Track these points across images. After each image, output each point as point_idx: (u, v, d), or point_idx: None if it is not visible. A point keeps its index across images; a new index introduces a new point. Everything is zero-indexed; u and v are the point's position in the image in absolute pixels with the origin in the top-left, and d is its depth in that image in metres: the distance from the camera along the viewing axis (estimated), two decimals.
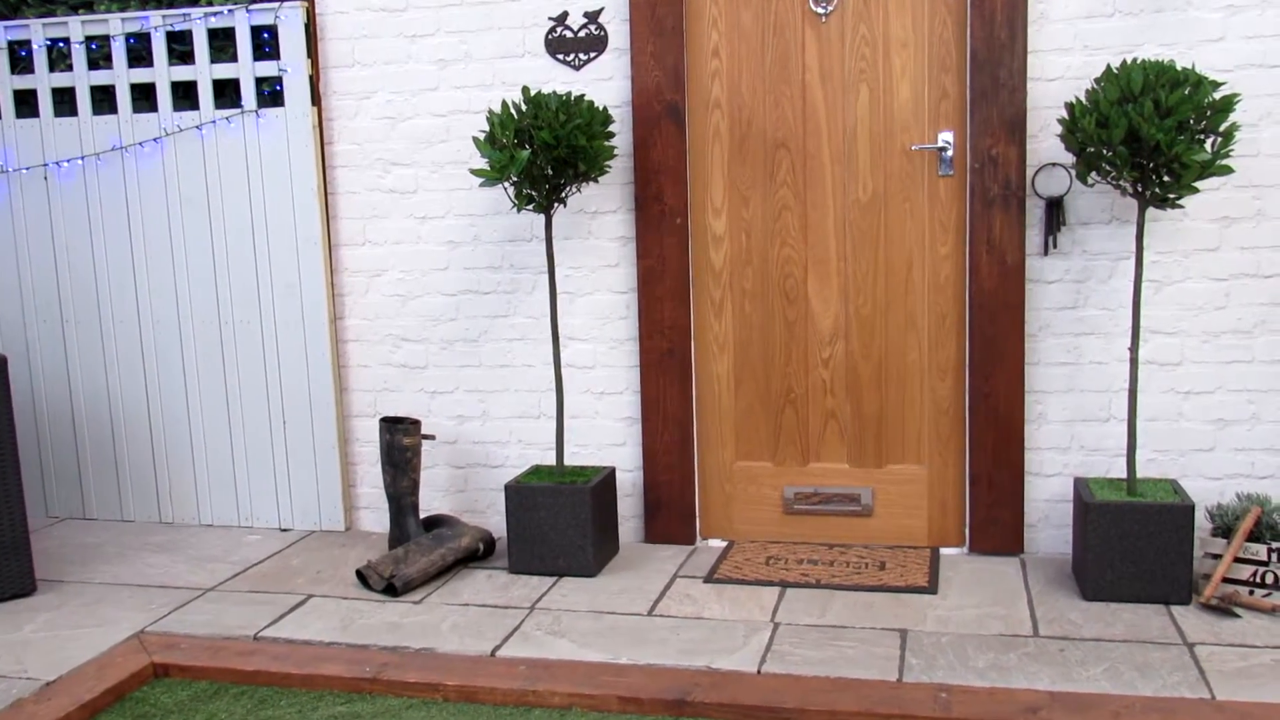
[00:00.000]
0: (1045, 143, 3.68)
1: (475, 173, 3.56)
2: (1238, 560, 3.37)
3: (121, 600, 3.72)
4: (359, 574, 3.75)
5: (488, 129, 3.85)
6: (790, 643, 3.20)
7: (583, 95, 3.70)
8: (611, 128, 3.97)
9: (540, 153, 3.58)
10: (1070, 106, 3.34)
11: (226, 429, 4.43)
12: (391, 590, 3.67)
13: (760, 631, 3.28)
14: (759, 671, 3.03)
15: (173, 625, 3.49)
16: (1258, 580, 3.34)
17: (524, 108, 3.63)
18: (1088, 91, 3.31)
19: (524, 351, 4.19)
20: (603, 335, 4.11)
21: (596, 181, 3.86)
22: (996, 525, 3.84)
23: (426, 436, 4.14)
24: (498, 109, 4.03)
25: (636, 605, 3.52)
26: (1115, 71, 3.26)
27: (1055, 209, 3.68)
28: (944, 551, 3.93)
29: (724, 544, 4.09)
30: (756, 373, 4.04)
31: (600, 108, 3.77)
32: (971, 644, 3.15)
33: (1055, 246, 3.72)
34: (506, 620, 3.44)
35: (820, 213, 3.92)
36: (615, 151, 3.88)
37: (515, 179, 3.64)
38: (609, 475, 3.93)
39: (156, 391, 4.48)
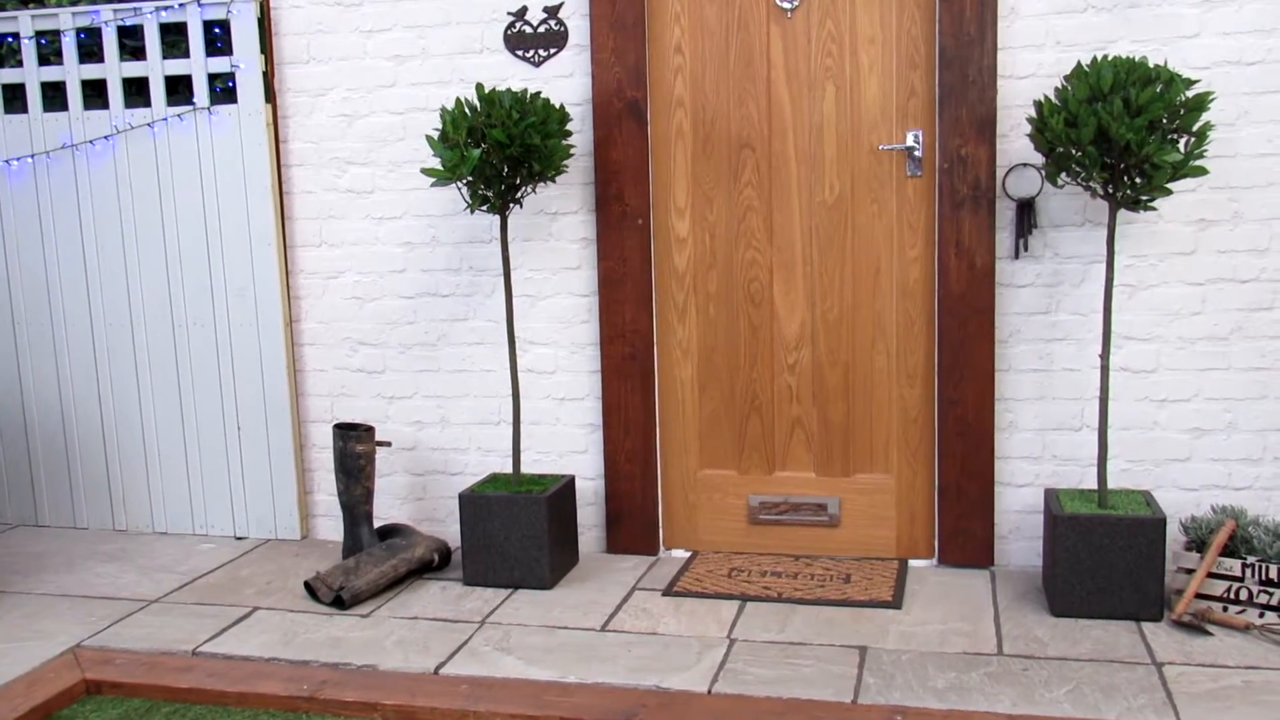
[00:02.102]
0: (1016, 142, 3.57)
1: (426, 172, 3.44)
2: (1211, 575, 3.25)
3: (62, 612, 3.61)
4: (307, 586, 3.64)
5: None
6: (745, 660, 3.08)
7: (538, 93, 3.59)
8: (571, 126, 3.86)
9: (493, 152, 3.46)
10: (1039, 105, 3.22)
11: (180, 434, 4.32)
12: (340, 603, 3.56)
13: (715, 648, 3.17)
14: (709, 691, 2.91)
15: (111, 639, 3.38)
16: (1231, 596, 3.22)
17: (477, 105, 3.52)
18: (1056, 89, 3.19)
19: (483, 356, 4.08)
20: (564, 339, 3.99)
21: (553, 181, 3.74)
22: (966, 537, 3.72)
23: (381, 443, 4.03)
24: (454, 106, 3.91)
25: (590, 620, 3.41)
26: (1085, 69, 3.14)
27: (1026, 211, 3.57)
28: (913, 563, 3.81)
29: (688, 554, 3.98)
30: (721, 378, 3.92)
31: (557, 105, 3.66)
32: (933, 662, 3.03)
33: (1026, 249, 3.60)
34: (455, 635, 3.33)
35: (786, 214, 3.80)
36: (572, 151, 3.76)
37: (469, 179, 3.53)
38: (567, 484, 3.81)
39: (109, 395, 4.37)
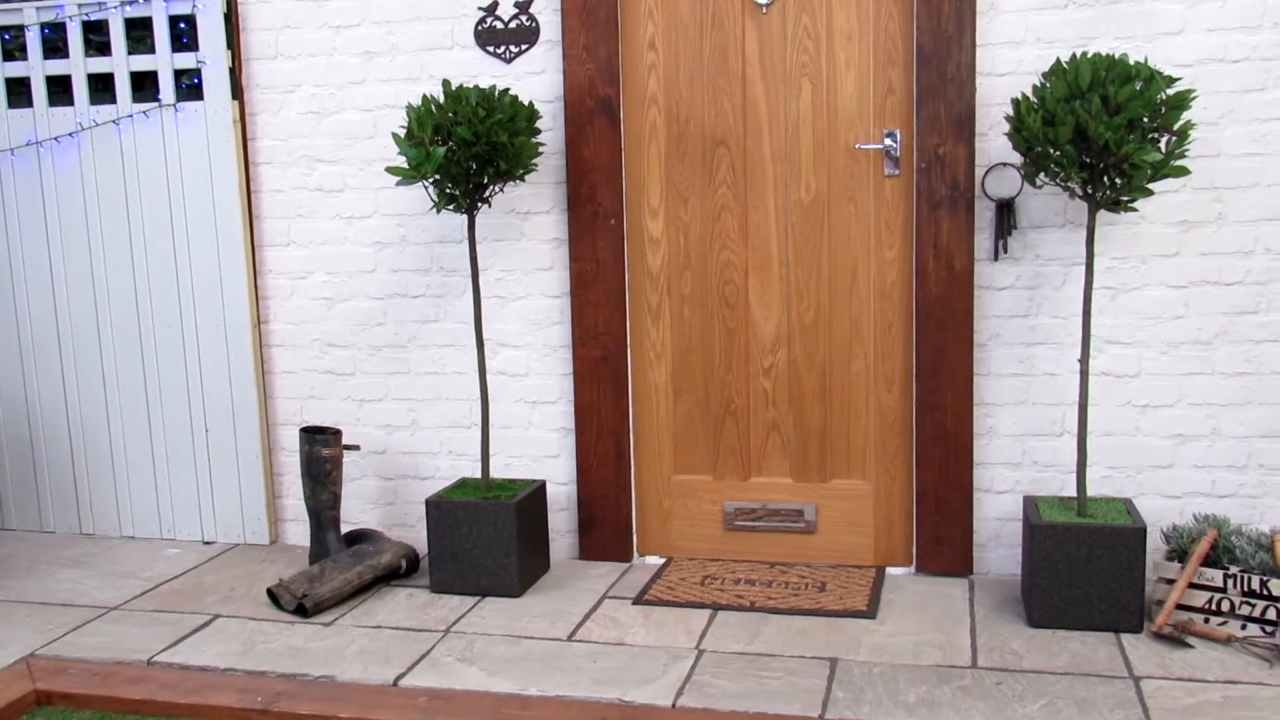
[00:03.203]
0: (995, 142, 3.48)
1: (391, 170, 3.36)
2: (1192, 586, 3.17)
3: (18, 620, 3.53)
4: (270, 593, 3.56)
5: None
6: (712, 672, 3.00)
7: (507, 89, 3.51)
8: (543, 123, 3.78)
9: (459, 150, 3.38)
10: (1016, 103, 3.13)
11: (147, 437, 4.24)
12: (302, 611, 3.48)
13: (682, 660, 3.09)
14: (674, 705, 2.83)
15: (65, 648, 3.30)
16: (1213, 608, 3.14)
17: (444, 102, 3.44)
18: (1034, 87, 3.10)
19: (455, 358, 4.00)
20: (536, 342, 3.91)
21: (523, 181, 3.66)
22: (944, 545, 3.64)
23: (349, 447, 3.95)
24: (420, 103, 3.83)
25: (557, 629, 3.33)
26: (1064, 66, 3.06)
27: (1006, 211, 3.48)
28: (890, 571, 3.73)
29: (662, 561, 3.90)
30: (695, 382, 3.84)
31: (525, 103, 3.57)
32: (905, 675, 2.95)
33: (1006, 251, 3.52)
34: (417, 645, 3.24)
35: (761, 214, 3.72)
36: (541, 149, 3.68)
37: (436, 177, 3.45)
38: (538, 489, 3.73)
39: (75, 397, 4.29)
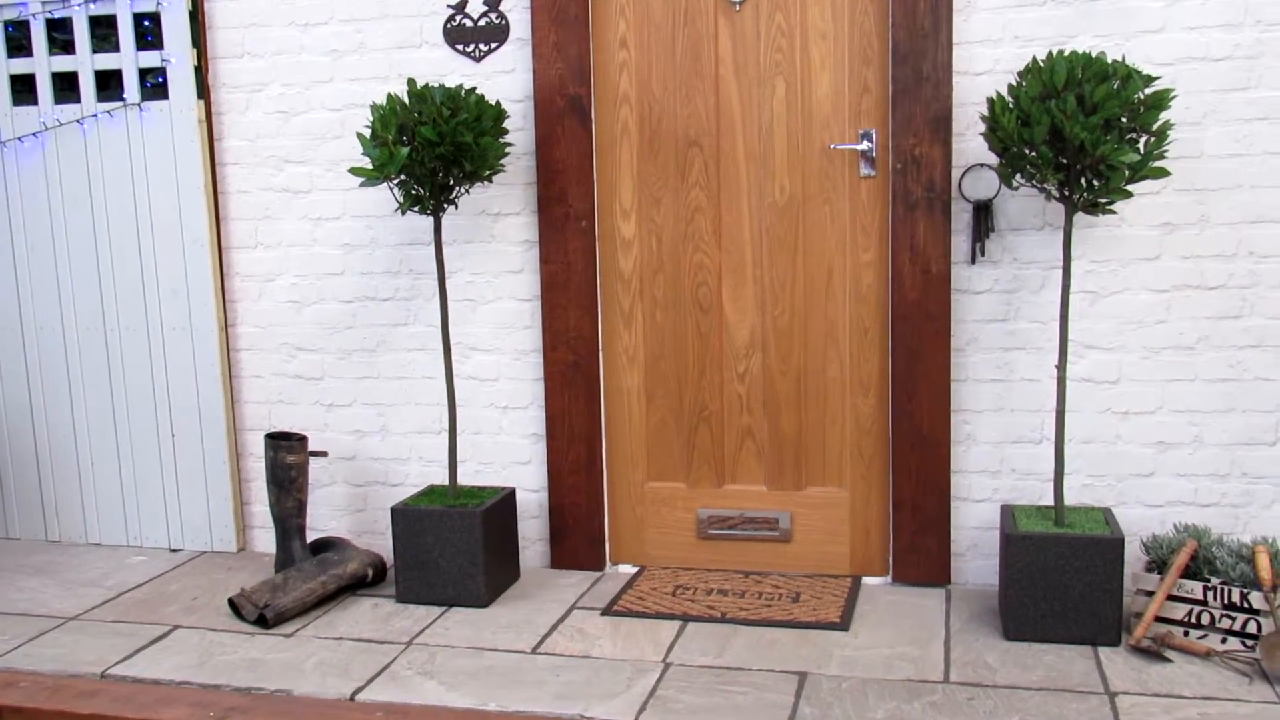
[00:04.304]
0: (973, 142, 3.40)
1: (354, 171, 3.29)
2: (1172, 598, 3.09)
3: None
4: (231, 603, 3.48)
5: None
6: (678, 687, 2.92)
7: (474, 89, 3.43)
8: (514, 123, 3.70)
9: (423, 150, 3.30)
10: (991, 102, 3.05)
11: (113, 442, 4.16)
12: (263, 621, 3.40)
13: (648, 674, 3.01)
14: None
15: (19, 660, 3.22)
16: (1192, 620, 3.06)
17: (409, 101, 3.36)
18: (1009, 86, 3.02)
19: (425, 363, 3.92)
20: (506, 346, 3.84)
21: (490, 182, 3.58)
22: (921, 554, 3.56)
23: (316, 453, 3.87)
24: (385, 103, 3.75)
25: (522, 641, 3.25)
26: (1039, 64, 2.98)
27: (983, 214, 3.40)
28: (866, 581, 3.65)
29: (635, 570, 3.82)
30: (669, 387, 3.76)
31: (492, 102, 3.49)
32: (874, 690, 2.87)
33: (983, 254, 3.44)
34: (378, 657, 3.17)
35: (735, 216, 3.64)
36: (508, 150, 3.60)
37: (401, 178, 3.38)
38: (507, 497, 3.65)
39: (40, 401, 4.21)
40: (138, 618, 3.52)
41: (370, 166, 3.28)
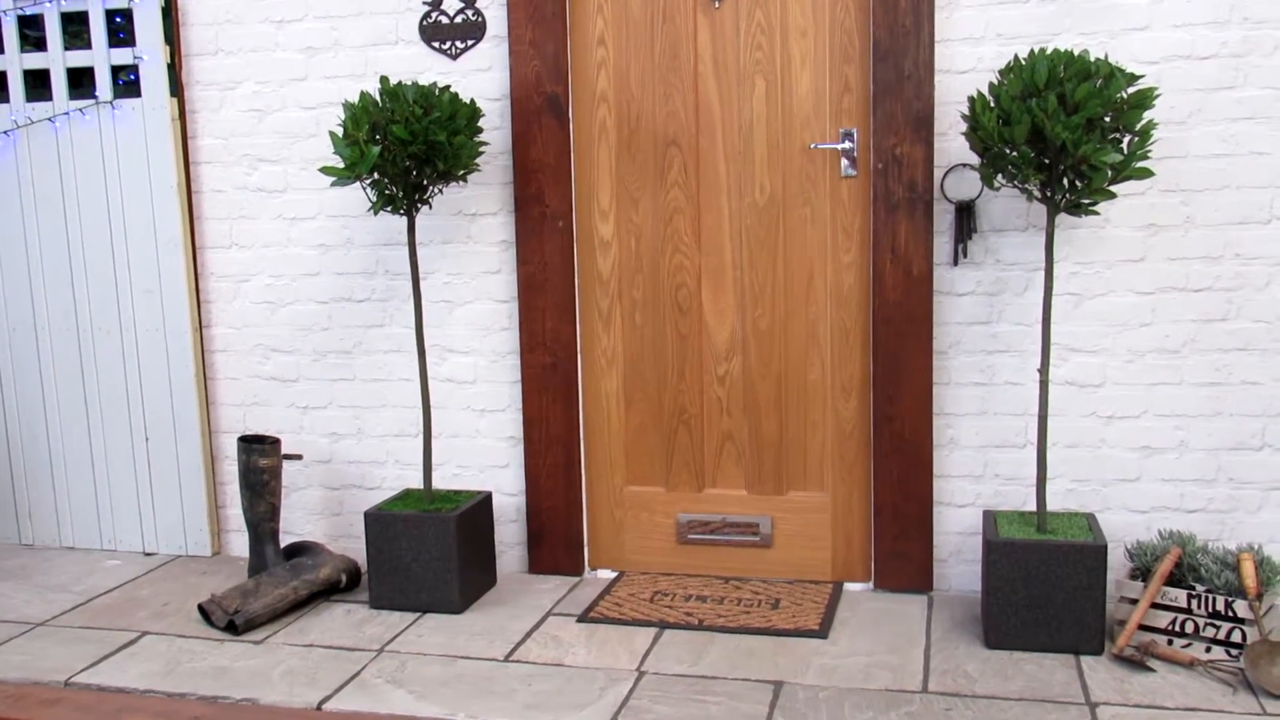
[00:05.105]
0: (955, 142, 3.34)
1: (325, 171, 3.23)
2: (1156, 606, 3.03)
3: None
4: (201, 609, 3.42)
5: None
6: (651, 696, 2.87)
7: (447, 86, 3.37)
8: (491, 122, 3.64)
9: (395, 149, 3.25)
10: (972, 101, 3.00)
11: (87, 445, 4.10)
12: (233, 628, 3.34)
13: (621, 683, 2.95)
14: None
15: None
16: (1176, 629, 3.00)
17: (381, 99, 3.30)
18: (990, 85, 2.97)
19: (401, 364, 3.86)
20: (484, 347, 3.78)
21: (465, 181, 3.53)
22: (903, 560, 3.51)
23: (290, 456, 3.81)
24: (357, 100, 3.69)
25: (495, 649, 3.19)
26: (1021, 62, 2.92)
27: (966, 214, 3.35)
28: (848, 587, 3.59)
29: (614, 575, 3.76)
30: (648, 390, 3.70)
31: (466, 101, 3.43)
32: (851, 700, 2.82)
33: (966, 256, 3.38)
34: (348, 665, 3.11)
35: (715, 216, 3.58)
36: (483, 149, 3.54)
37: (373, 177, 3.32)
38: (482, 501, 3.60)
39: (14, 403, 4.15)
40: (107, 624, 3.46)
41: (342, 165, 3.22)
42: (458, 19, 3.64)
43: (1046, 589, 3.04)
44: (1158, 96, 2.93)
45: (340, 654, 3.19)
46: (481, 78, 3.66)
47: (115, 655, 3.22)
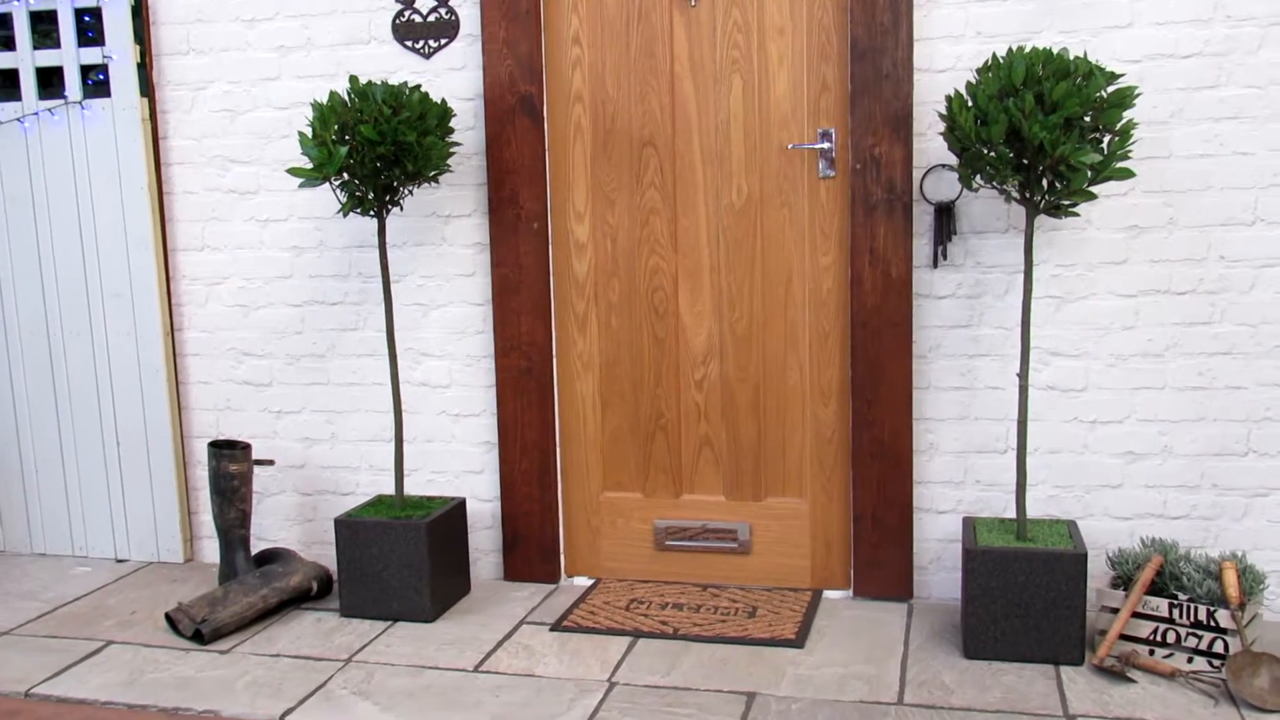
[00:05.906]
0: (934, 142, 3.29)
1: (293, 172, 3.17)
2: (1137, 616, 2.97)
3: None
4: (168, 618, 3.36)
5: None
6: (620, 708, 2.81)
7: (417, 86, 3.31)
8: (464, 122, 3.58)
9: (364, 150, 3.19)
10: (949, 100, 2.94)
11: (58, 449, 4.04)
12: (200, 637, 3.28)
13: (591, 694, 2.89)
14: None
15: None
16: (1158, 639, 2.94)
17: (350, 99, 3.24)
18: (968, 84, 2.91)
19: (375, 368, 3.80)
20: (458, 351, 3.72)
21: (436, 182, 3.47)
22: (883, 567, 3.45)
23: (261, 462, 3.76)
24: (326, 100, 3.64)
25: (465, 659, 3.13)
26: (998, 60, 2.87)
27: (945, 216, 3.29)
28: (827, 595, 3.53)
29: (590, 582, 3.70)
30: (625, 395, 3.65)
31: (437, 100, 3.38)
32: (824, 713, 2.76)
33: (946, 258, 3.32)
34: (314, 676, 3.05)
35: (692, 218, 3.53)
36: (454, 150, 3.48)
37: (344, 178, 3.26)
38: (455, 507, 3.54)
39: None
40: (72, 632, 3.40)
41: (310, 166, 3.16)
42: (431, 18, 3.59)
43: (1026, 598, 2.98)
44: (1138, 95, 2.88)
45: (307, 664, 3.13)
46: (455, 77, 3.60)
47: (78, 665, 3.16)
